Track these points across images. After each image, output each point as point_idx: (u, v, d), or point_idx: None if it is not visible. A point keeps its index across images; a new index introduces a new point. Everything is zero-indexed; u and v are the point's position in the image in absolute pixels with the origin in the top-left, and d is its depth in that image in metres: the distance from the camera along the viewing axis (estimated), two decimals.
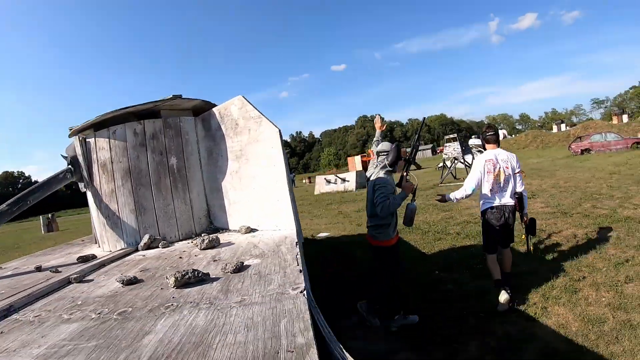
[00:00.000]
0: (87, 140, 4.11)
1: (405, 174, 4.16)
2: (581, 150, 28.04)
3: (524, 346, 3.81)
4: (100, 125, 4.10)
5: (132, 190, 4.01)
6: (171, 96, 4.00)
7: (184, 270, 2.46)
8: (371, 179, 4.16)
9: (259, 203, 4.18)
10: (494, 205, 4.71)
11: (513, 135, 68.47)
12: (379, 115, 4.77)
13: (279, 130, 4.00)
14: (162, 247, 3.87)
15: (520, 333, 4.06)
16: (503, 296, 4.60)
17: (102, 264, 3.40)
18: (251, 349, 1.51)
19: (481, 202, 4.87)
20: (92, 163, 4.11)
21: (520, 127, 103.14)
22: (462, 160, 19.60)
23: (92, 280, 2.93)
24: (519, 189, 4.70)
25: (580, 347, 3.69)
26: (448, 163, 20.42)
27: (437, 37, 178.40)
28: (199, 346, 1.57)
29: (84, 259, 3.64)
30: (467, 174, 18.00)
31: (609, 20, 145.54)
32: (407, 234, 8.60)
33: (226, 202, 4.45)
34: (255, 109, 4.12)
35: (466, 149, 20.12)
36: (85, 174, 4.11)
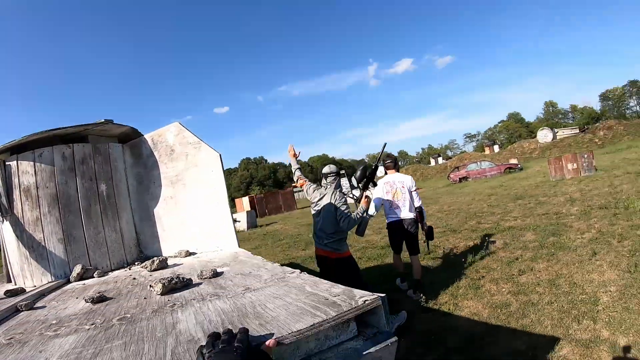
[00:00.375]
0: (7, 163, 3.76)
1: (365, 191, 4.58)
2: (459, 178, 31.35)
3: (447, 335, 4.30)
4: (21, 148, 3.78)
5: (60, 218, 3.73)
6: (103, 120, 3.89)
7: (169, 277, 2.45)
8: (326, 199, 4.51)
9: (199, 226, 4.18)
10: (395, 219, 5.61)
11: None
12: (291, 144, 5.10)
13: (220, 155, 4.11)
14: (98, 277, 3.64)
15: (440, 326, 4.58)
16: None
17: (42, 294, 3.11)
18: (301, 304, 1.67)
19: (386, 217, 5.73)
20: (13, 188, 3.75)
21: (399, 163, 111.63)
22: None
23: (44, 306, 2.69)
24: (417, 203, 5.61)
25: (495, 327, 4.31)
26: None
27: (318, 81, 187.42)
28: (246, 316, 1.67)
29: (12, 293, 3.27)
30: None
31: (478, 64, 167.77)
32: (311, 263, 8.89)
33: (159, 229, 4.35)
34: (194, 135, 4.19)
35: (353, 184, 21.39)
36: (4, 200, 3.73)
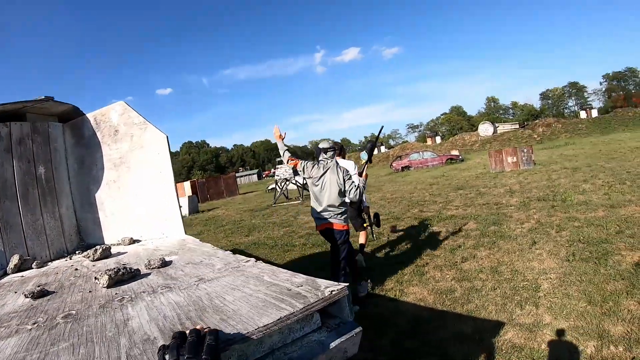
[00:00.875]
0: None
1: (365, 165, 4.76)
2: (402, 167, 31.73)
3: (395, 320, 4.37)
4: None
5: None
6: (43, 97, 3.59)
7: (115, 268, 2.31)
8: (331, 173, 4.55)
9: (144, 211, 4.00)
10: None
11: None
12: (276, 126, 5.01)
13: (167, 137, 3.93)
14: (37, 267, 3.40)
15: (388, 311, 4.62)
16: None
17: None
18: (262, 296, 1.62)
19: None
20: None
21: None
22: (293, 182, 20.80)
23: None
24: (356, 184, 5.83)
25: (441, 312, 4.42)
26: (280, 184, 21.40)
27: (265, 65, 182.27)
28: (204, 310, 1.59)
29: None
30: (299, 193, 19.45)
31: (424, 56, 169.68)
32: (255, 249, 8.90)
33: (101, 215, 4.13)
34: (140, 115, 3.97)
35: (296, 171, 21.52)
36: None
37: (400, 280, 5.46)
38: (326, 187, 4.54)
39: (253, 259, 2.28)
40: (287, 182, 21.13)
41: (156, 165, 3.94)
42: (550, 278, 4.76)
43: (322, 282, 1.67)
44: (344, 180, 4.46)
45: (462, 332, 3.88)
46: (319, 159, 4.70)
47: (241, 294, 1.68)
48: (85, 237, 4.19)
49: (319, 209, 4.63)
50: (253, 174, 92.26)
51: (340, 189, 4.47)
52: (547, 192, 10.16)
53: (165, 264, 2.59)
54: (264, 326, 1.33)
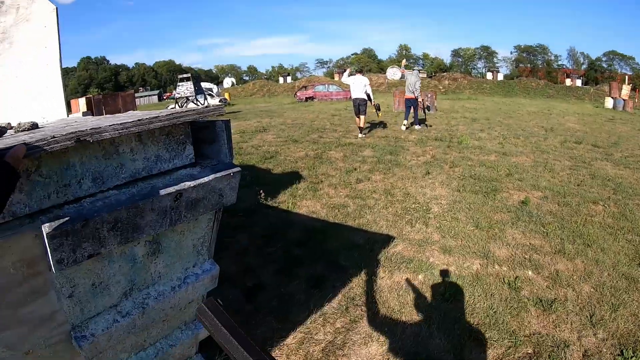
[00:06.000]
0: None
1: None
2: (306, 97, 31.56)
3: (286, 230, 4.46)
4: None
5: None
6: None
7: None
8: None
9: (22, 93, 3.59)
10: (353, 97, 10.29)
11: (240, 85, 71.68)
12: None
13: (56, 8, 3.51)
14: None
15: (280, 221, 4.72)
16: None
17: None
18: (137, 118, 1.48)
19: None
20: None
21: (247, 78, 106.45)
22: (194, 101, 20.06)
23: None
24: (368, 91, 10.17)
25: (333, 224, 4.61)
26: (180, 103, 20.60)
27: None
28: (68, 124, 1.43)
29: None
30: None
31: None
32: None
33: None
34: None
35: (199, 90, 20.88)
36: None
37: (294, 194, 5.58)
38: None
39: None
40: (188, 101, 20.44)
41: (41, 41, 3.53)
42: (441, 203, 5.08)
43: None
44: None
45: (353, 242, 4.05)
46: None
47: (112, 120, 1.53)
48: None
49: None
50: (154, 94, 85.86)
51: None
52: (445, 134, 10.62)
53: (35, 126, 2.32)
54: (120, 124, 1.19)
